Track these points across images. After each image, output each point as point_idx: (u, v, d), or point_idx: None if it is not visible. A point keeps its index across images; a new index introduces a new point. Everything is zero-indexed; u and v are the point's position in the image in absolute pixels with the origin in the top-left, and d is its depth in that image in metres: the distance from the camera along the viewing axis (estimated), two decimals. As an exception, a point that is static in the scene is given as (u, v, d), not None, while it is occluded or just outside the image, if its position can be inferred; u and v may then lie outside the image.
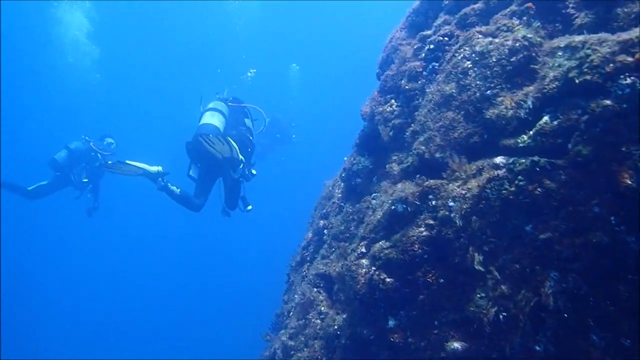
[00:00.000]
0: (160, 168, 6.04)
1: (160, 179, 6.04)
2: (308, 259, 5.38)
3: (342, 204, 4.77)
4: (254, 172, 6.36)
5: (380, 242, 3.43)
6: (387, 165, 3.99)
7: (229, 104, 6.68)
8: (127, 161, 5.83)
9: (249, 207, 6.28)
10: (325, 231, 4.94)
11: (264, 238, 27.93)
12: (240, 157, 5.86)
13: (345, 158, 6.91)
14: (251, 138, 6.65)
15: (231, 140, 5.66)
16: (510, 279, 2.80)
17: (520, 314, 2.67)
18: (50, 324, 23.67)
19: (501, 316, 2.78)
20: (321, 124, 30.88)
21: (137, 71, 30.63)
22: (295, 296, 5.06)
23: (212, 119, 6.25)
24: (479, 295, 2.90)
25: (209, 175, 6.34)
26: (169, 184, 6.08)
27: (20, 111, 27.93)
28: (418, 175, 3.21)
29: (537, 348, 2.61)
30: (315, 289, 4.56)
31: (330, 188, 5.53)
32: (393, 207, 3.38)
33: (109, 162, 5.81)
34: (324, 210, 5.17)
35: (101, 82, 26.42)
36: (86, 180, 8.84)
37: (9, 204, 20.15)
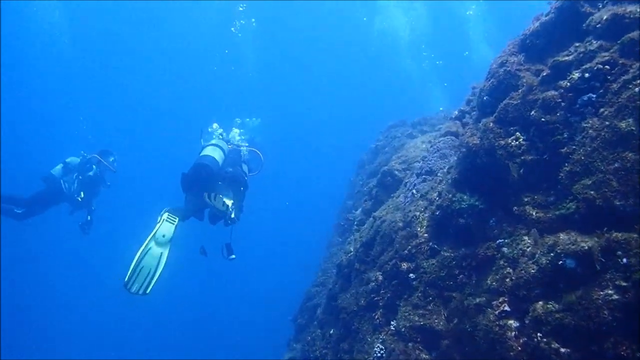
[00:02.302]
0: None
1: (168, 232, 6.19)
2: (380, 304, 4.77)
3: (435, 246, 4.23)
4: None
5: (543, 303, 2.91)
6: (514, 208, 3.50)
7: (229, 146, 7.31)
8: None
9: (232, 257, 6.54)
10: (412, 275, 4.36)
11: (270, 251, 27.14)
12: (233, 216, 6.40)
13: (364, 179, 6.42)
14: (246, 178, 7.06)
15: (229, 205, 6.28)
16: None
17: None
18: (50, 324, 22.16)
19: None
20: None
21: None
22: (376, 349, 4.43)
23: (213, 152, 6.69)
24: (696, 376, 2.43)
25: (195, 205, 6.60)
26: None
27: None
28: (605, 228, 2.71)
29: None
30: (411, 344, 3.97)
31: (401, 224, 4.97)
32: (560, 262, 2.88)
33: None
34: (405, 252, 4.59)
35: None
36: (82, 195, 8.31)
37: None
